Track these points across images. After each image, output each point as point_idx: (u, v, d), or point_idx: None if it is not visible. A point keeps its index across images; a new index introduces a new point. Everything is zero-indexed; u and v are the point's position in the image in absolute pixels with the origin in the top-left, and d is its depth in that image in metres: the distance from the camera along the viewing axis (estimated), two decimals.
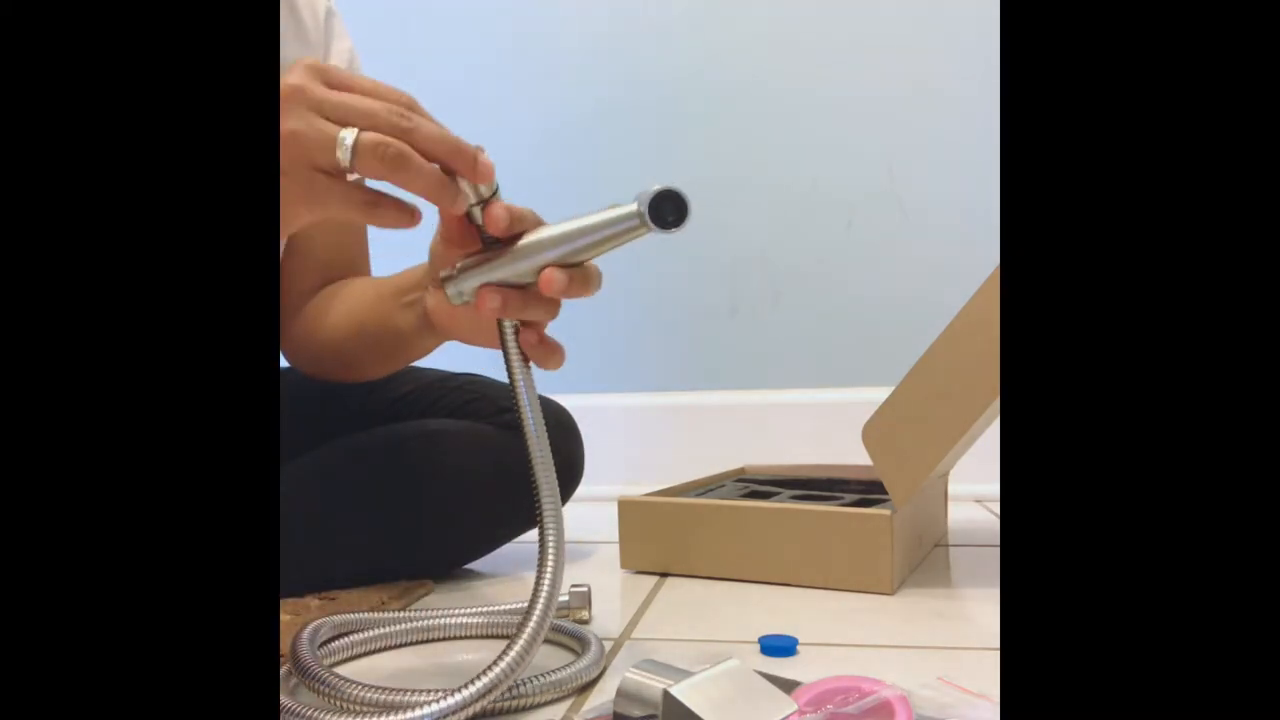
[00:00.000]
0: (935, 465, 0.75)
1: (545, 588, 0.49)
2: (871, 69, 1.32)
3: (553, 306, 0.54)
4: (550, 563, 0.49)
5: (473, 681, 0.46)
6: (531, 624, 0.48)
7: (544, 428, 0.52)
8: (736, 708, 0.40)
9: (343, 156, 0.45)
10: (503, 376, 0.93)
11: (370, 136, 0.45)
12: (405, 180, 0.46)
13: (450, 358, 0.89)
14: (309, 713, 0.48)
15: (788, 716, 0.41)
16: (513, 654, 0.47)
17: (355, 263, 0.90)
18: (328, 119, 0.46)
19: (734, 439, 1.32)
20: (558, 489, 0.52)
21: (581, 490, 0.92)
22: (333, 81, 0.47)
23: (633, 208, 0.46)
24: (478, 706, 0.46)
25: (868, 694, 0.45)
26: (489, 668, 0.47)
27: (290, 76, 0.47)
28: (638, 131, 1.39)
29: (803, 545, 0.78)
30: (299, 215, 0.48)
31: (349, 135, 0.45)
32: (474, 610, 0.67)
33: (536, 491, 0.51)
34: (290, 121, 0.45)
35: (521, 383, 0.53)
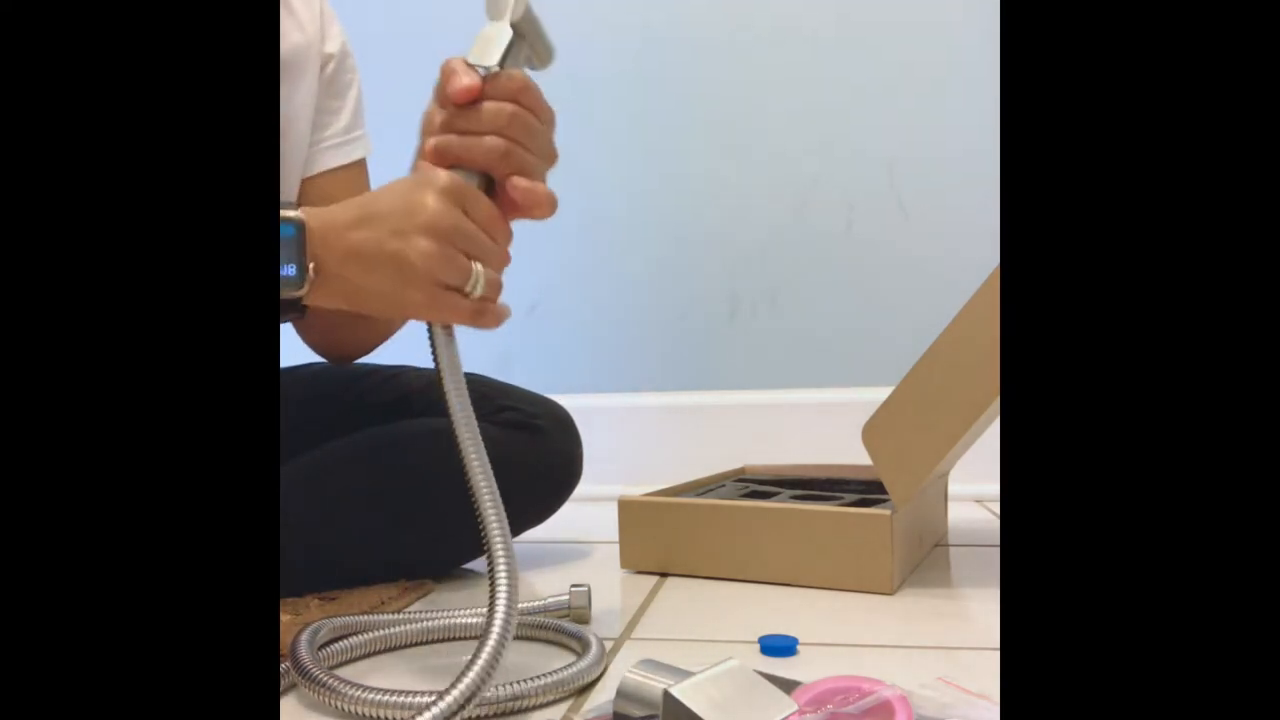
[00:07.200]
0: (935, 465, 0.75)
1: (503, 590, 0.48)
2: (872, 69, 1.32)
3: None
4: (501, 553, 0.49)
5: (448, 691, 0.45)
6: (498, 621, 0.47)
7: (474, 418, 0.54)
8: (736, 708, 0.40)
9: (475, 289, 0.54)
10: (504, 376, 0.93)
11: (493, 275, 0.55)
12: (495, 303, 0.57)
13: None
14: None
15: (788, 716, 0.41)
16: (480, 662, 0.46)
17: None
18: (457, 248, 0.53)
19: (734, 439, 1.32)
20: (493, 478, 0.52)
21: (581, 490, 0.92)
22: (469, 210, 0.54)
23: None
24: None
25: (868, 694, 0.45)
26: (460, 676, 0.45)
27: (428, 195, 0.53)
28: (638, 131, 1.39)
29: (803, 545, 0.78)
30: (416, 317, 0.56)
31: (481, 272, 0.54)
32: (474, 610, 0.67)
33: (471, 483, 0.51)
34: (427, 243, 0.53)
35: (449, 373, 0.54)
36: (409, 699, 0.48)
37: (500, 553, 0.49)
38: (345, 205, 0.56)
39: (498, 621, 0.47)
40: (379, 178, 0.91)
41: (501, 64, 0.54)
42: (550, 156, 0.57)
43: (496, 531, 0.50)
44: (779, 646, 0.61)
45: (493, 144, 0.54)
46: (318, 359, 0.96)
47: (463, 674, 0.45)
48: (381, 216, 0.54)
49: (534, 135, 0.56)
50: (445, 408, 0.53)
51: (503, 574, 0.48)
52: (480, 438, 0.53)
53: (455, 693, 0.44)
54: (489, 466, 0.52)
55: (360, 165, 0.91)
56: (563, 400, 0.92)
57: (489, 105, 0.54)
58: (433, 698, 0.44)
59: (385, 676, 0.59)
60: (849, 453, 0.91)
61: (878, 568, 0.75)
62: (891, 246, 1.32)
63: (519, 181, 0.55)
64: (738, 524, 0.82)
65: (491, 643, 0.46)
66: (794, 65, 1.34)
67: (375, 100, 0.95)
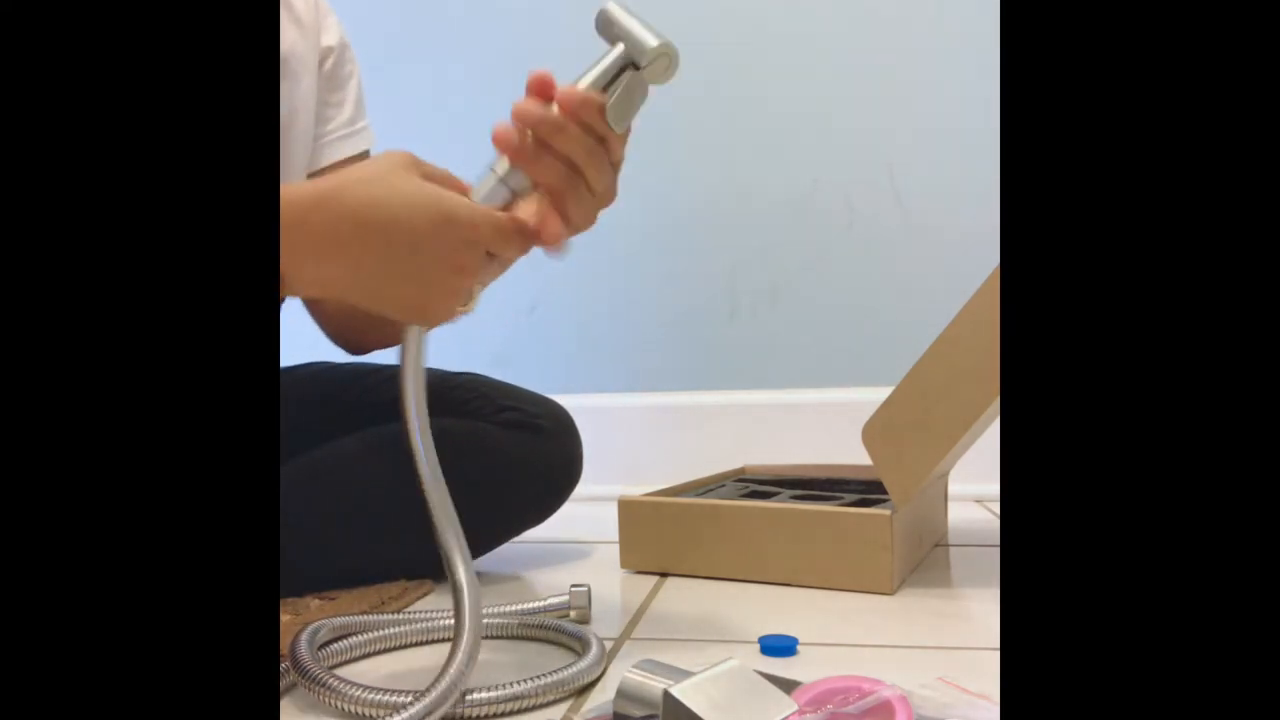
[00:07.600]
0: (935, 465, 0.75)
1: (467, 611, 0.49)
2: (872, 69, 1.32)
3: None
4: (464, 582, 0.51)
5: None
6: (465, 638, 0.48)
7: (431, 443, 0.55)
8: (736, 708, 0.40)
9: (469, 308, 0.56)
10: (504, 376, 0.93)
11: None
12: None
13: (450, 358, 0.89)
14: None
15: (788, 716, 0.41)
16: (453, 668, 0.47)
17: None
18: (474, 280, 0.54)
19: (734, 439, 1.32)
20: (450, 501, 0.54)
21: (581, 490, 0.92)
22: (497, 251, 0.54)
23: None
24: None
25: (868, 694, 0.45)
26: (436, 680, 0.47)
27: (470, 255, 0.52)
28: (637, 131, 1.38)
29: (803, 545, 0.78)
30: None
31: (477, 293, 0.55)
32: None
33: (428, 501, 0.53)
34: (461, 281, 0.53)
35: (412, 388, 0.54)
36: (411, 699, 0.48)
37: (453, 543, 0.52)
38: (329, 196, 0.51)
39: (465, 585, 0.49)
40: None
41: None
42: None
43: (446, 523, 0.53)
44: (779, 646, 0.61)
45: (576, 185, 0.56)
46: (318, 359, 0.96)
47: (442, 672, 0.46)
48: (403, 250, 0.51)
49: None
50: (401, 400, 0.54)
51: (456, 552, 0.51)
52: (430, 432, 0.54)
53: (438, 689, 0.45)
54: (435, 456, 0.54)
55: (364, 157, 0.92)
56: (563, 400, 0.92)
57: (605, 144, 0.57)
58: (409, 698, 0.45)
59: (385, 677, 0.59)
60: (849, 453, 0.91)
61: (878, 568, 0.75)
62: (891, 246, 1.32)
63: (554, 225, 0.55)
64: (738, 524, 0.82)
65: (467, 629, 0.47)
66: (794, 65, 1.34)
67: (371, 93, 0.95)
